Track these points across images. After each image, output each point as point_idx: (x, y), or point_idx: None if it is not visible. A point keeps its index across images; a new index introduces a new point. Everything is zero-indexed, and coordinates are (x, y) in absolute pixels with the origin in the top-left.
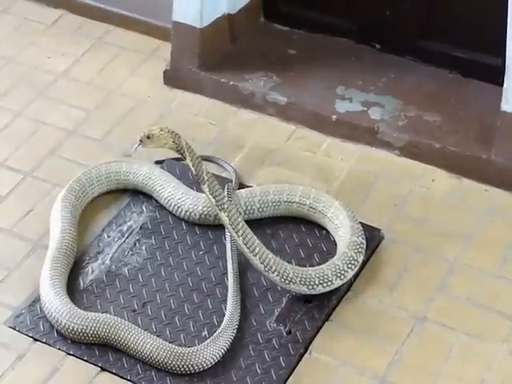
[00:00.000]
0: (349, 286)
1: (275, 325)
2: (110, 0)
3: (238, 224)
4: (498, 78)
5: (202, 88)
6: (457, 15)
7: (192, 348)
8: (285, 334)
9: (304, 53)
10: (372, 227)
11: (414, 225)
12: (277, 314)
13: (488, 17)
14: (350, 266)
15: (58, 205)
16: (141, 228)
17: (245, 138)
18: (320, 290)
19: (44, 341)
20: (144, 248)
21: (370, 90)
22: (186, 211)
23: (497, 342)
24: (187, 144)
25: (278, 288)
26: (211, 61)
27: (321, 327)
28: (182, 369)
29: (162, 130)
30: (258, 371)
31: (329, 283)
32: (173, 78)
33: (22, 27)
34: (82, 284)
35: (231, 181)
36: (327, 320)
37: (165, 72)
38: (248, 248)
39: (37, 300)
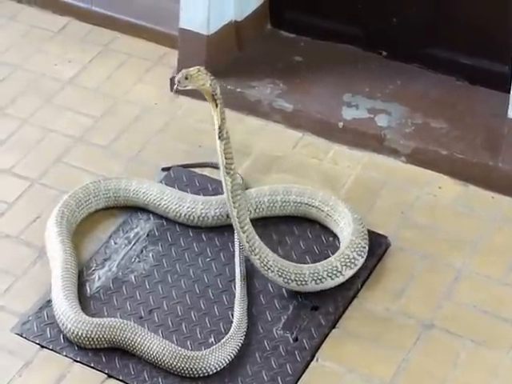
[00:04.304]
0: (355, 293)
1: (282, 332)
2: (117, 7)
3: (237, 195)
4: (504, 85)
5: None
6: (464, 22)
7: (199, 352)
8: (291, 341)
9: (310, 60)
10: (378, 234)
11: (421, 232)
12: (283, 321)
13: (495, 24)
14: (347, 264)
15: (52, 220)
16: (148, 235)
17: (251, 145)
18: (314, 286)
19: (51, 348)
20: (151, 255)
21: (376, 97)
22: (199, 216)
23: (504, 349)
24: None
25: (285, 295)
26: (218, 68)
27: (327, 334)
28: (187, 372)
29: (199, 71)
30: (265, 378)
31: (322, 280)
32: None
33: (28, 34)
34: (88, 291)
35: None
36: (334, 327)
37: (171, 79)
38: (240, 223)
39: (44, 307)
